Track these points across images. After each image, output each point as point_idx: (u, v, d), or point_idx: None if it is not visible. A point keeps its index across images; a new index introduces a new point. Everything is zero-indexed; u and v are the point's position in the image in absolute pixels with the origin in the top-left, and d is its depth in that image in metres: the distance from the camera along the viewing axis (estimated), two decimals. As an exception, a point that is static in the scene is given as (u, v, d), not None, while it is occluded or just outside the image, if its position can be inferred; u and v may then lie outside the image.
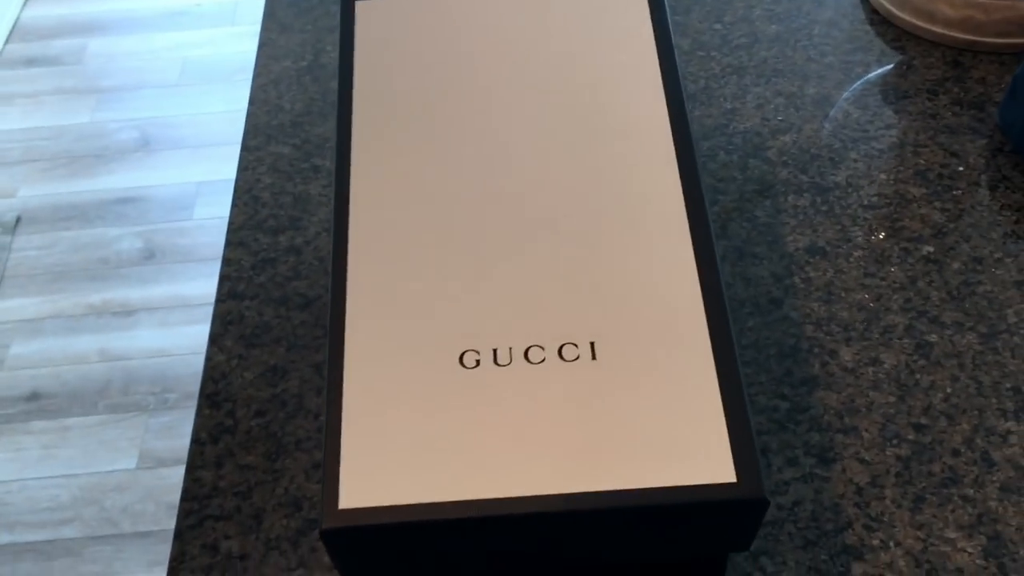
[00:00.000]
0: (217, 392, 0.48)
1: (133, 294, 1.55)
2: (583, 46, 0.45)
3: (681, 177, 0.40)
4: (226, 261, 0.54)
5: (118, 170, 1.74)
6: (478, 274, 0.39)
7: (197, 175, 1.73)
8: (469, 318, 0.37)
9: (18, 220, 1.66)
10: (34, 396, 1.44)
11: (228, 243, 0.55)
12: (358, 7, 0.47)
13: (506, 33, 0.46)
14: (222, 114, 1.83)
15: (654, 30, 0.45)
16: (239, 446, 0.46)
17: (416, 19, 0.46)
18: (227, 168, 1.68)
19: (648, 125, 0.42)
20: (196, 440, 0.47)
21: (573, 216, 0.40)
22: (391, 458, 0.34)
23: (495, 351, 0.36)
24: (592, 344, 0.36)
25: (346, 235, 0.40)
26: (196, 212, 1.67)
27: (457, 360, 0.36)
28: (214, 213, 1.65)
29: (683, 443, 0.34)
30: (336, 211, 0.41)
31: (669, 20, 0.45)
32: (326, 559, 0.42)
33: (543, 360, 0.36)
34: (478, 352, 0.36)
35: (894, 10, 0.63)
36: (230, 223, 0.56)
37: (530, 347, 0.36)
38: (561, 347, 0.36)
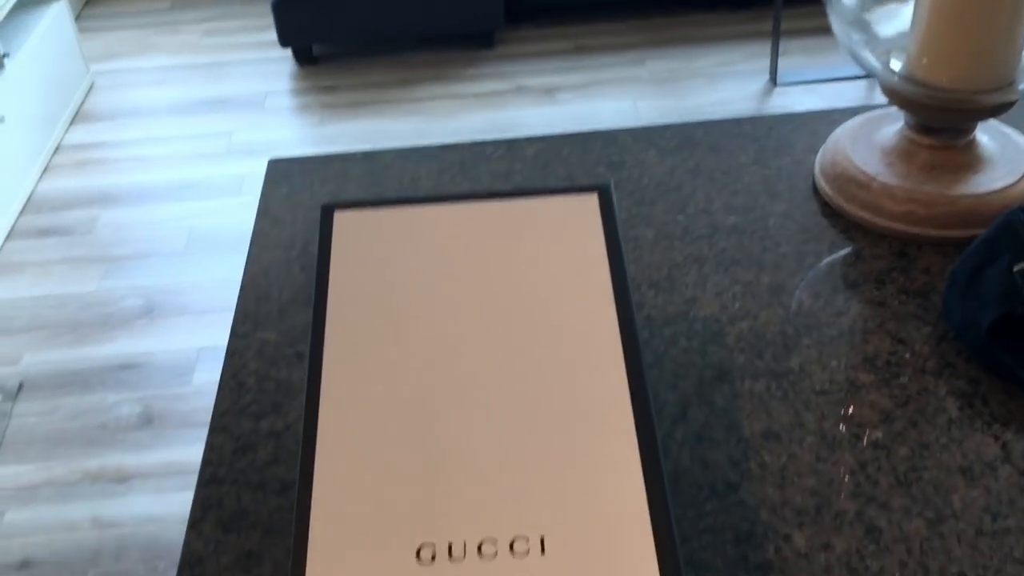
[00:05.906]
0: (193, 578, 0.50)
1: (129, 460, 1.57)
2: (540, 257, 0.49)
3: (628, 377, 0.44)
4: (209, 447, 0.56)
5: (120, 337, 1.78)
6: (437, 467, 0.41)
7: (198, 341, 1.77)
8: (426, 510, 0.40)
9: (20, 387, 1.69)
10: (25, 564, 1.43)
11: (212, 429, 0.57)
12: (337, 216, 0.51)
13: (466, 243, 0.50)
14: (225, 281, 1.89)
15: (606, 241, 0.49)
16: (211, 633, 0.48)
17: (389, 231, 0.51)
18: (228, 334, 1.72)
19: (598, 330, 0.46)
20: (170, 627, 0.48)
21: (526, 414, 0.43)
22: (347, 652, 0.36)
23: (450, 544, 0.39)
24: (542, 538, 0.39)
25: (315, 430, 0.43)
26: (195, 377, 1.70)
27: (414, 554, 0.38)
28: (213, 379, 1.68)
29: (626, 637, 0.36)
30: (307, 410, 0.44)
31: (619, 232, 0.50)
32: None
33: (495, 554, 0.38)
34: (434, 545, 0.39)
35: (843, 204, 0.68)
36: (215, 408, 0.59)
37: (483, 541, 0.39)
38: (513, 541, 0.39)
